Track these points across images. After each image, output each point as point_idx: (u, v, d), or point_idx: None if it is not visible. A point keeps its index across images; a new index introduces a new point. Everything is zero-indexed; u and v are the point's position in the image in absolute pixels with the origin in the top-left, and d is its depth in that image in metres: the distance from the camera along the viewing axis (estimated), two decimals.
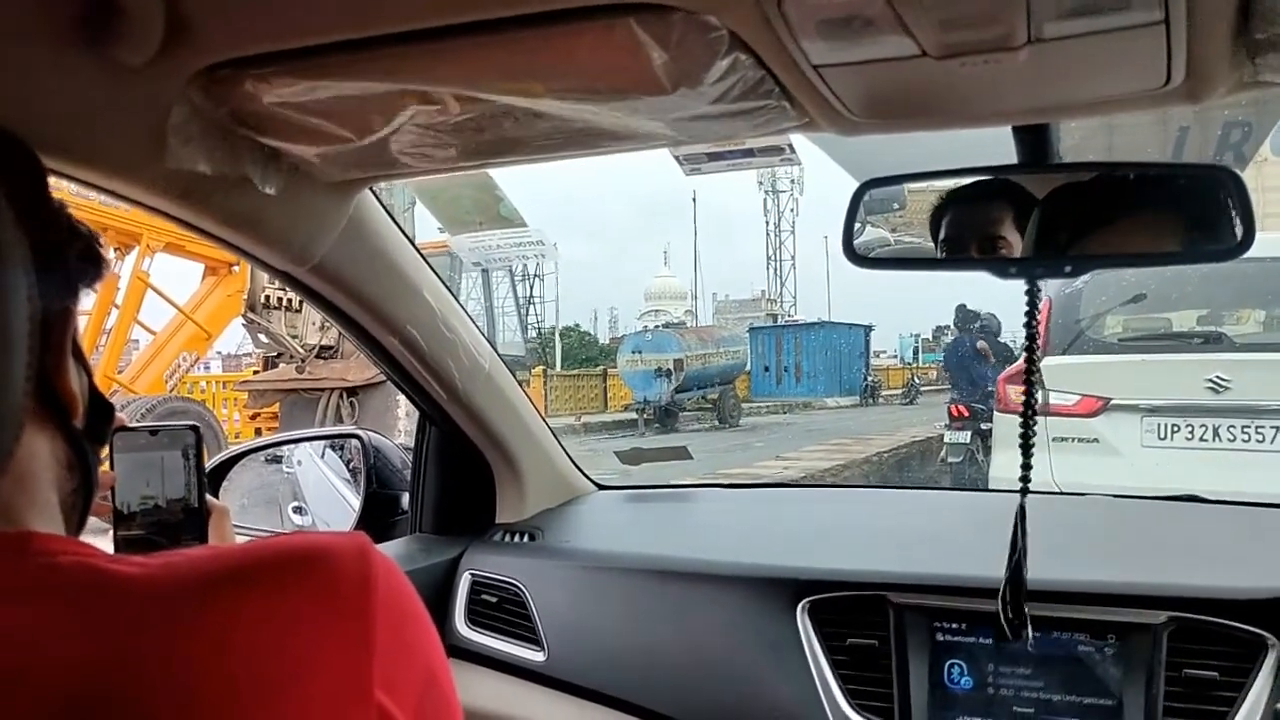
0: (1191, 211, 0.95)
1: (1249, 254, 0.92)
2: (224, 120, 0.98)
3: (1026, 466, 1.09)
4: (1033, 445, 1.08)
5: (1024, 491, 1.10)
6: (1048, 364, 4.78)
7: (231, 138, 1.01)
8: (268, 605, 0.57)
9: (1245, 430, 4.59)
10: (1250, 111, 7.92)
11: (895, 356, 38.98)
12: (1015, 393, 5.12)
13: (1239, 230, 0.91)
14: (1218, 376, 4.61)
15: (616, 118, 0.93)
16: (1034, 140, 0.97)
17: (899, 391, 27.82)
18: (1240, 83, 0.79)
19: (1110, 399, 4.83)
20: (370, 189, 1.32)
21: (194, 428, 0.93)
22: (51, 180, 0.66)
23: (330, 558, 0.61)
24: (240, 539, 1.06)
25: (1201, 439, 4.69)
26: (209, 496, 0.95)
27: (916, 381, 27.56)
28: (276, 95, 0.92)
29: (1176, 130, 7.67)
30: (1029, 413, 1.08)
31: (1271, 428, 4.53)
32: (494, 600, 1.62)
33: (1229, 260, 0.92)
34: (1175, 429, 4.75)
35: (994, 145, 1.01)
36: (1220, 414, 4.62)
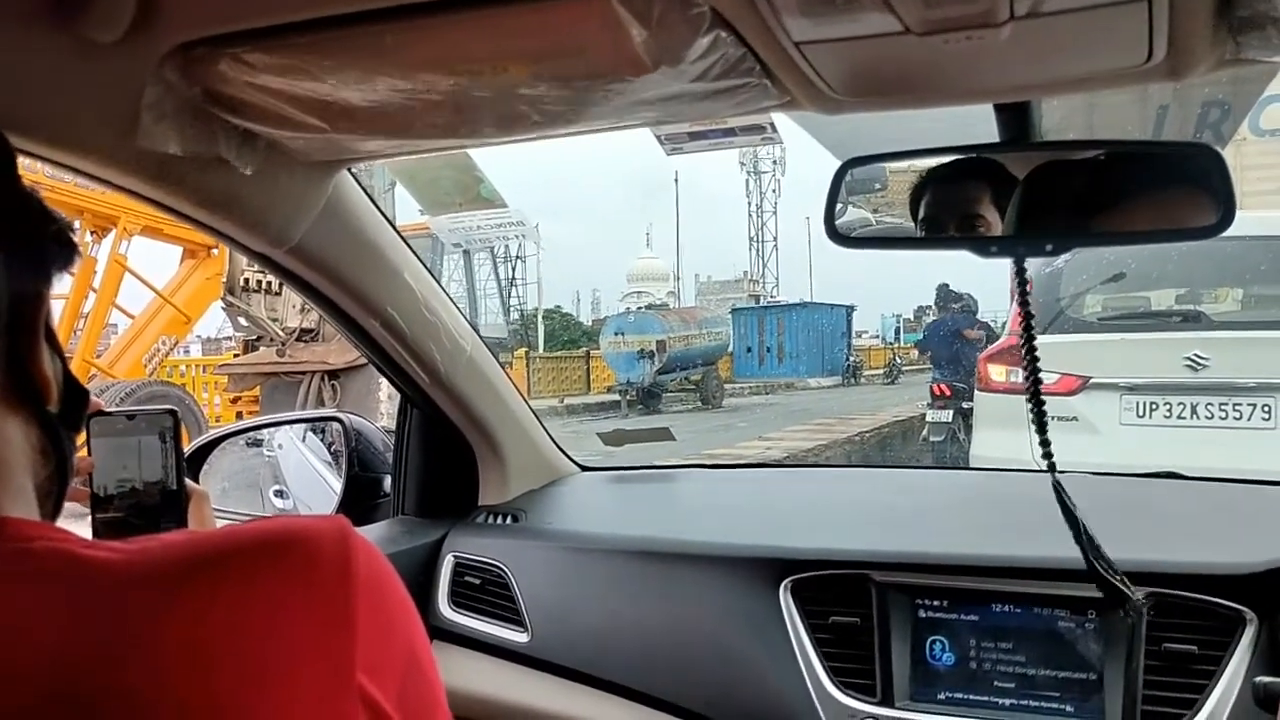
0: (1172, 190, 0.95)
1: (1228, 232, 0.92)
2: (197, 99, 0.96)
3: (1046, 443, 1.09)
4: (1046, 421, 1.08)
5: (1052, 469, 1.11)
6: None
7: (205, 117, 1.00)
8: (247, 590, 0.57)
9: (1223, 408, 4.63)
10: (1229, 91, 7.96)
11: (877, 337, 39.15)
12: (996, 372, 5.16)
13: (1219, 208, 0.91)
14: (1196, 354, 4.65)
15: (597, 97, 0.92)
16: (1015, 119, 0.96)
17: (881, 371, 27.93)
18: (1221, 60, 0.79)
19: (1090, 377, 4.86)
20: (349, 170, 1.30)
21: (172, 412, 0.92)
22: (26, 163, 0.65)
23: (310, 541, 0.61)
24: (221, 523, 1.05)
25: (1179, 417, 4.73)
26: (188, 480, 0.95)
27: (898, 361, 27.67)
28: (251, 74, 0.91)
29: (1156, 109, 7.69)
30: (1037, 389, 1.08)
31: (1248, 405, 4.58)
32: (477, 582, 1.62)
33: (1209, 238, 0.93)
34: (1154, 407, 4.79)
35: (976, 124, 1.01)
36: (1198, 392, 4.66)
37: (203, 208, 1.12)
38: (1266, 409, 4.54)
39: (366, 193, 1.39)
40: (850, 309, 29.17)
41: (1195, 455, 4.27)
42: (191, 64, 0.90)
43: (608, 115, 0.98)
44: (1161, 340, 4.87)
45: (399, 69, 0.88)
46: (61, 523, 0.64)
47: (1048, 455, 1.10)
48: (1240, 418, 4.59)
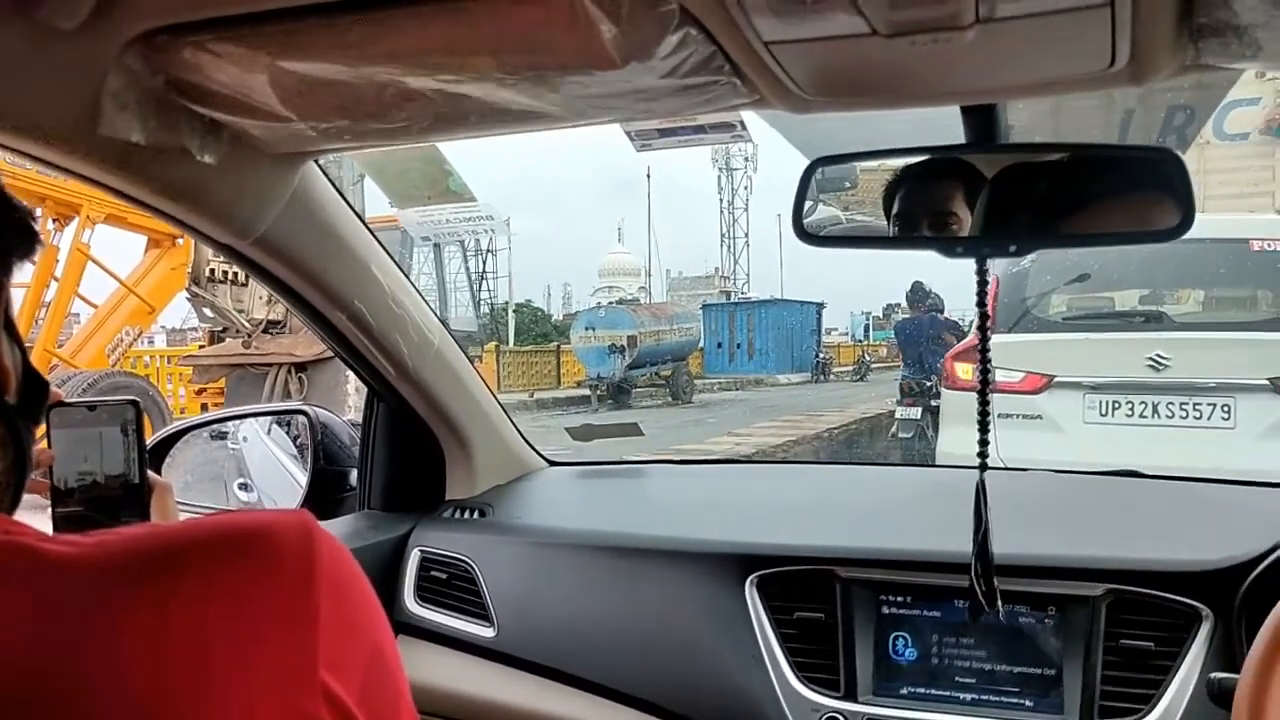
0: (1135, 193, 0.96)
1: (1191, 235, 0.94)
2: (161, 88, 0.95)
3: (984, 442, 1.10)
4: (989, 421, 1.09)
5: (983, 467, 1.12)
6: (994, 341, 4.84)
7: (169, 106, 0.98)
8: (208, 585, 0.56)
9: (1184, 407, 4.70)
10: (1193, 96, 8.08)
11: (846, 334, 39.37)
12: (962, 370, 5.21)
13: (1180, 212, 0.93)
14: (1158, 355, 4.72)
15: (566, 92, 0.92)
16: (982, 120, 0.97)
17: (850, 368, 28.07)
18: (1183, 66, 0.80)
19: (1054, 376, 4.92)
20: (316, 161, 1.29)
21: (134, 402, 0.91)
22: None
23: (272, 535, 0.60)
24: (184, 516, 1.04)
25: (1141, 416, 4.80)
26: (150, 472, 0.93)
27: (867, 359, 27.83)
28: (215, 64, 0.90)
29: (1121, 114, 7.79)
30: (985, 390, 1.09)
31: (1208, 405, 4.65)
32: (443, 577, 1.61)
33: (1170, 241, 0.94)
34: (1116, 406, 4.85)
35: (944, 126, 1.02)
36: (1160, 391, 4.73)
37: (166, 198, 1.11)
38: (1226, 409, 4.61)
39: (334, 185, 1.38)
40: (820, 306, 29.30)
41: (1156, 454, 4.33)
42: (154, 52, 0.89)
43: (577, 111, 0.98)
44: (1124, 340, 4.94)
45: (365, 60, 0.88)
46: (20, 515, 0.63)
47: (983, 454, 1.12)
48: (1200, 417, 4.67)
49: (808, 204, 1.06)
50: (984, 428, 1.11)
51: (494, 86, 0.91)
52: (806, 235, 1.06)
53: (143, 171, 1.05)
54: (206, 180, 1.11)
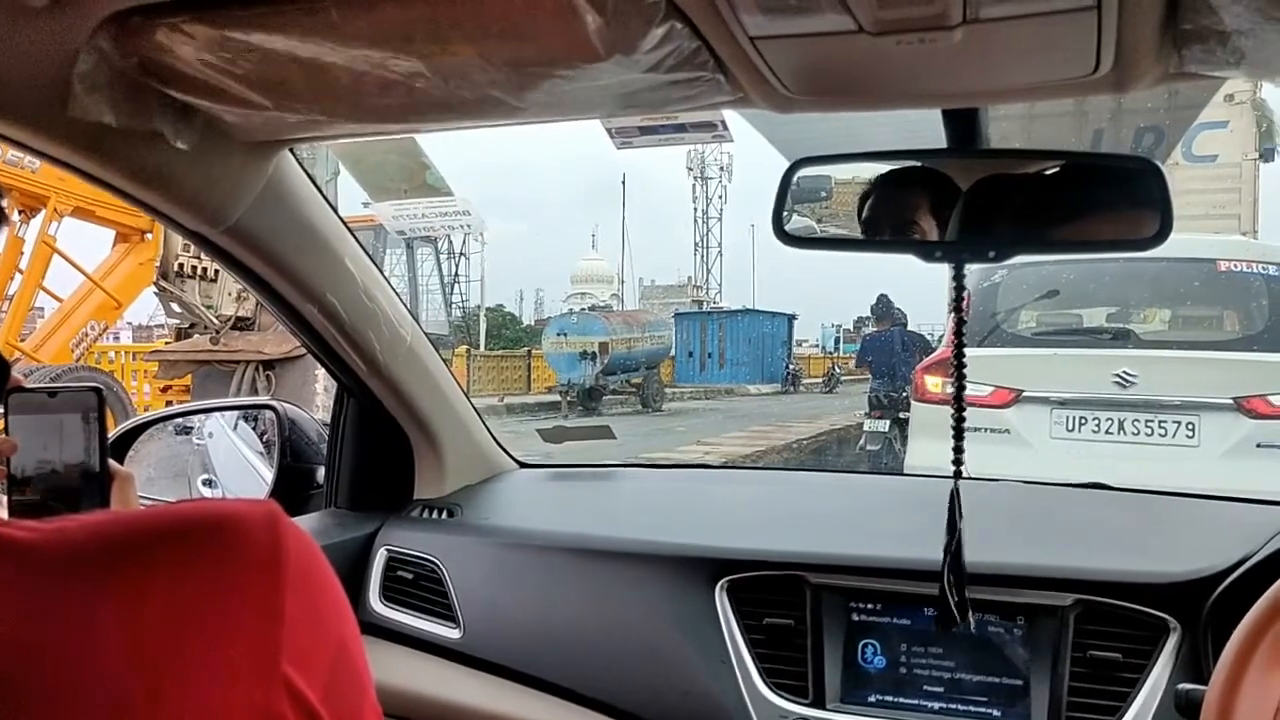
0: (1114, 202, 0.96)
1: (1159, 254, 0.94)
2: (133, 71, 0.93)
3: (959, 450, 1.10)
4: (964, 429, 1.09)
5: (957, 475, 1.12)
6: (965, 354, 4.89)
7: (140, 89, 0.96)
8: (171, 573, 0.55)
9: (1149, 424, 4.76)
10: (1163, 117, 8.21)
11: (817, 345, 39.51)
12: (932, 383, 5.24)
13: (1158, 221, 0.93)
14: (1125, 372, 4.77)
15: (548, 84, 0.91)
16: (964, 125, 0.98)
17: (820, 380, 28.21)
18: (1166, 73, 0.80)
19: (1022, 391, 4.96)
20: (291, 152, 1.27)
21: (96, 389, 0.89)
22: None
23: (239, 525, 0.59)
24: None
25: (1107, 432, 4.85)
26: (111, 462, 0.91)
27: (837, 371, 27.95)
28: (190, 47, 0.88)
29: (1093, 131, 7.90)
30: (960, 398, 1.09)
31: (1173, 422, 4.71)
32: (410, 577, 1.59)
33: (1148, 250, 0.94)
34: (1083, 421, 4.90)
35: (926, 134, 1.02)
36: (1126, 408, 4.78)
37: (137, 183, 1.09)
38: (1190, 427, 4.67)
39: (310, 177, 1.36)
40: (792, 318, 29.43)
41: (1121, 470, 4.38)
42: (127, 33, 0.87)
43: (559, 104, 0.97)
44: (1092, 357, 4.99)
45: (343, 46, 0.86)
46: None
47: (958, 462, 1.12)
48: (1165, 435, 4.72)
49: (787, 207, 1.06)
50: (959, 435, 1.11)
51: (475, 76, 0.90)
52: (786, 237, 1.06)
53: (113, 155, 1.03)
54: (178, 166, 1.09)
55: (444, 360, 1.77)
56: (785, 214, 1.07)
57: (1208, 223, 9.89)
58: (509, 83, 0.91)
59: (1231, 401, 4.57)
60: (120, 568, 0.54)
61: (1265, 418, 4.52)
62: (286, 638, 0.57)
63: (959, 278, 1.05)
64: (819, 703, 1.29)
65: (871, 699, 1.30)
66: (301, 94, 0.97)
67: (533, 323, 38.90)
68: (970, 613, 1.14)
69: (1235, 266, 4.90)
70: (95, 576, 0.53)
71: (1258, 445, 4.52)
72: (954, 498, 1.12)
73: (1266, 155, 11.14)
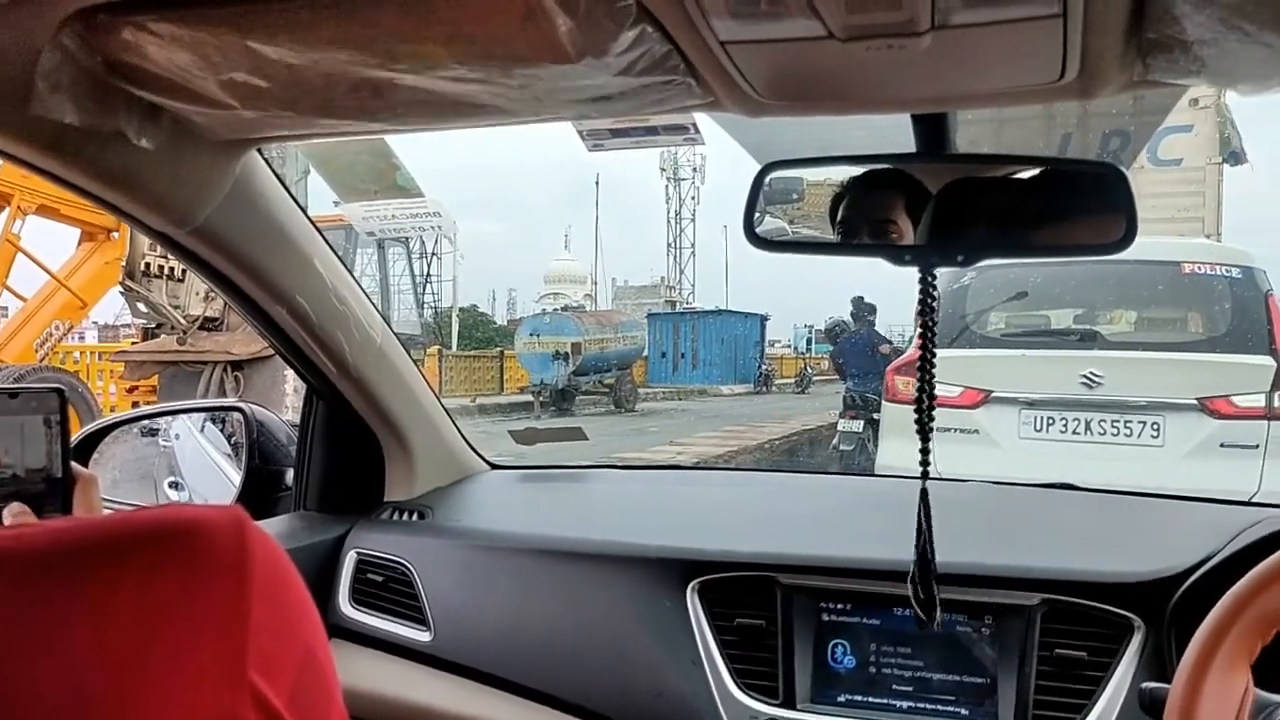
0: (1080, 207, 0.98)
1: (1125, 256, 0.95)
2: (98, 69, 0.92)
3: (926, 451, 1.11)
4: (931, 430, 1.10)
5: (924, 476, 1.12)
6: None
7: (106, 88, 0.95)
8: (138, 579, 0.55)
9: (1115, 425, 4.82)
10: (1130, 121, 8.31)
11: (790, 346, 39.65)
12: (903, 383, 5.28)
13: (1123, 226, 0.94)
14: (1091, 373, 4.83)
15: (520, 86, 0.90)
16: (933, 130, 0.98)
17: (792, 380, 28.30)
18: (1130, 81, 0.81)
19: (991, 391, 5.01)
20: (259, 151, 1.26)
21: (58, 390, 0.87)
22: None
23: (204, 531, 0.58)
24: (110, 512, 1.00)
25: (1074, 432, 4.91)
26: (74, 464, 0.90)
27: (809, 371, 28.06)
28: (156, 46, 0.87)
29: (1060, 135, 7.98)
30: (927, 399, 1.10)
31: (1139, 423, 4.77)
32: (380, 579, 1.58)
33: (1113, 254, 0.96)
34: (1051, 422, 4.96)
35: (895, 137, 1.03)
36: (1093, 408, 4.84)
37: (101, 183, 1.07)
38: (1155, 427, 4.73)
39: (278, 177, 1.34)
40: (764, 318, 29.50)
41: (1088, 470, 4.43)
42: (92, 31, 0.86)
43: (530, 107, 0.97)
44: (1060, 358, 5.05)
45: (313, 46, 0.85)
46: None
47: (925, 463, 1.13)
48: (1131, 435, 4.78)
49: (758, 210, 1.06)
50: (924, 436, 1.12)
51: (446, 78, 0.90)
52: (757, 240, 1.06)
53: (77, 155, 1.01)
54: (144, 166, 1.08)
55: (416, 360, 1.76)
56: (756, 217, 1.08)
57: (1173, 225, 10.02)
58: (480, 84, 0.91)
59: (1196, 402, 4.63)
60: (87, 573, 0.53)
61: (1229, 418, 4.59)
62: (253, 644, 0.56)
63: (927, 281, 1.06)
64: (789, 703, 1.30)
65: (841, 699, 1.31)
66: (270, 94, 0.96)
67: (506, 323, 38.76)
68: (938, 612, 1.15)
69: (1199, 269, 4.97)
70: (60, 582, 0.53)
71: (1221, 445, 4.58)
72: (923, 498, 1.13)
73: (1229, 159, 11.30)
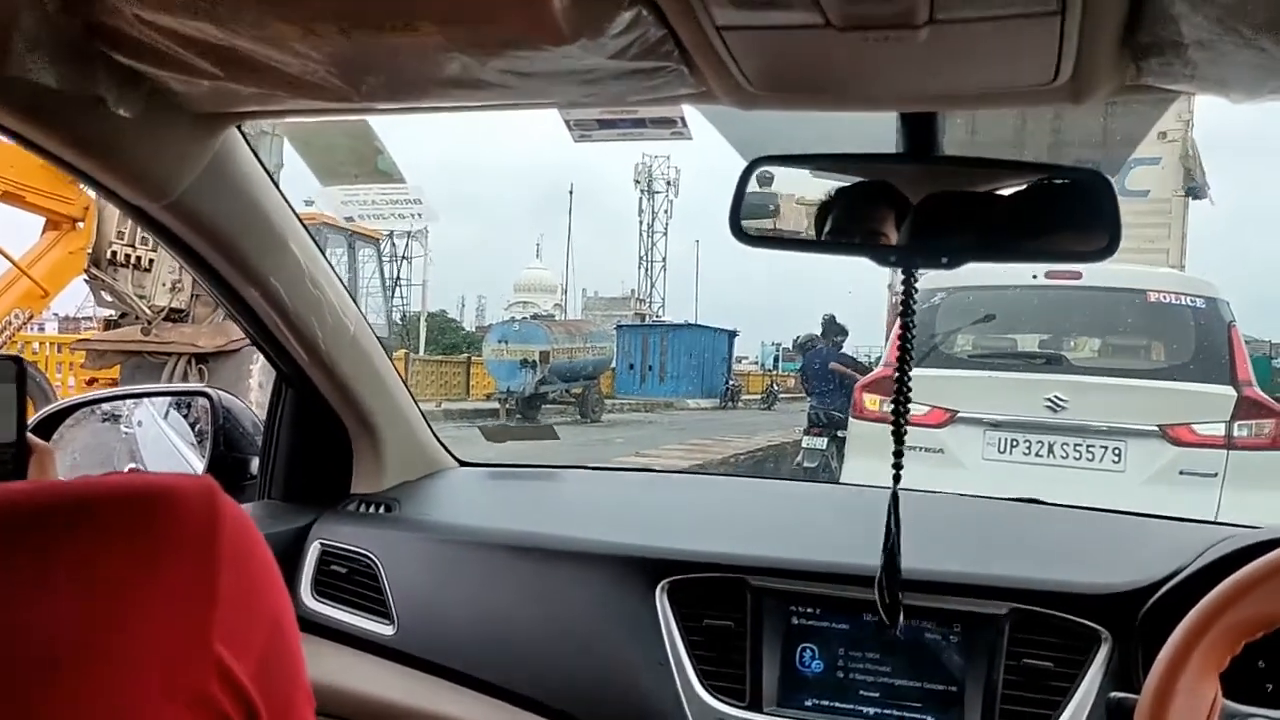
0: (1064, 212, 0.98)
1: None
2: (78, 32, 0.90)
3: (899, 454, 1.11)
4: (905, 433, 1.10)
5: (896, 480, 1.13)
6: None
7: (86, 52, 0.93)
8: (102, 546, 0.53)
9: (1078, 448, 4.87)
10: (1100, 153, 8.44)
11: (757, 363, 39.82)
12: (870, 400, 5.31)
13: (1108, 233, 0.95)
14: (1056, 396, 4.89)
15: (509, 66, 0.89)
16: (920, 131, 0.98)
17: (758, 397, 28.41)
18: (1123, 84, 0.82)
19: (957, 411, 5.05)
20: (239, 129, 1.24)
21: (15, 359, 0.85)
22: None
23: (175, 499, 0.57)
24: None
25: (1038, 454, 4.96)
26: (31, 437, 0.87)
27: (776, 388, 28.19)
28: (139, 10, 0.85)
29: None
30: (904, 402, 1.10)
31: (1100, 447, 4.83)
32: (344, 571, 1.56)
33: (1096, 261, 0.96)
34: (1014, 443, 5.00)
35: (882, 140, 1.03)
36: (1056, 432, 4.90)
37: (77, 150, 1.05)
38: (1117, 452, 4.79)
39: (257, 157, 1.32)
40: (733, 334, 29.63)
41: (1049, 493, 4.46)
42: None
43: (519, 89, 0.96)
44: (1025, 381, 5.10)
45: (298, 17, 0.84)
46: None
47: (897, 467, 1.13)
48: (1093, 459, 4.84)
49: (745, 203, 1.06)
50: (899, 439, 1.12)
51: (437, 55, 0.88)
52: (742, 234, 1.05)
53: (53, 120, 0.99)
54: (121, 135, 1.06)
55: None
56: (743, 211, 1.07)
57: (1140, 255, 10.18)
58: (471, 64, 0.89)
59: (1157, 429, 4.70)
60: (52, 536, 0.52)
61: (1189, 445, 4.65)
62: (220, 615, 0.55)
63: (908, 284, 1.06)
64: (755, 706, 1.29)
65: (808, 703, 1.30)
66: (254, 66, 0.94)
67: (474, 329, 38.63)
68: (902, 616, 1.15)
69: (1164, 297, 5.05)
70: (25, 544, 0.52)
71: (1180, 472, 4.65)
72: (893, 501, 1.13)
73: (1192, 192, 11.52)
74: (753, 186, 1.04)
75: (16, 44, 0.87)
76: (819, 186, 1.09)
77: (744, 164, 1.08)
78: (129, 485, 0.58)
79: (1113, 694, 1.11)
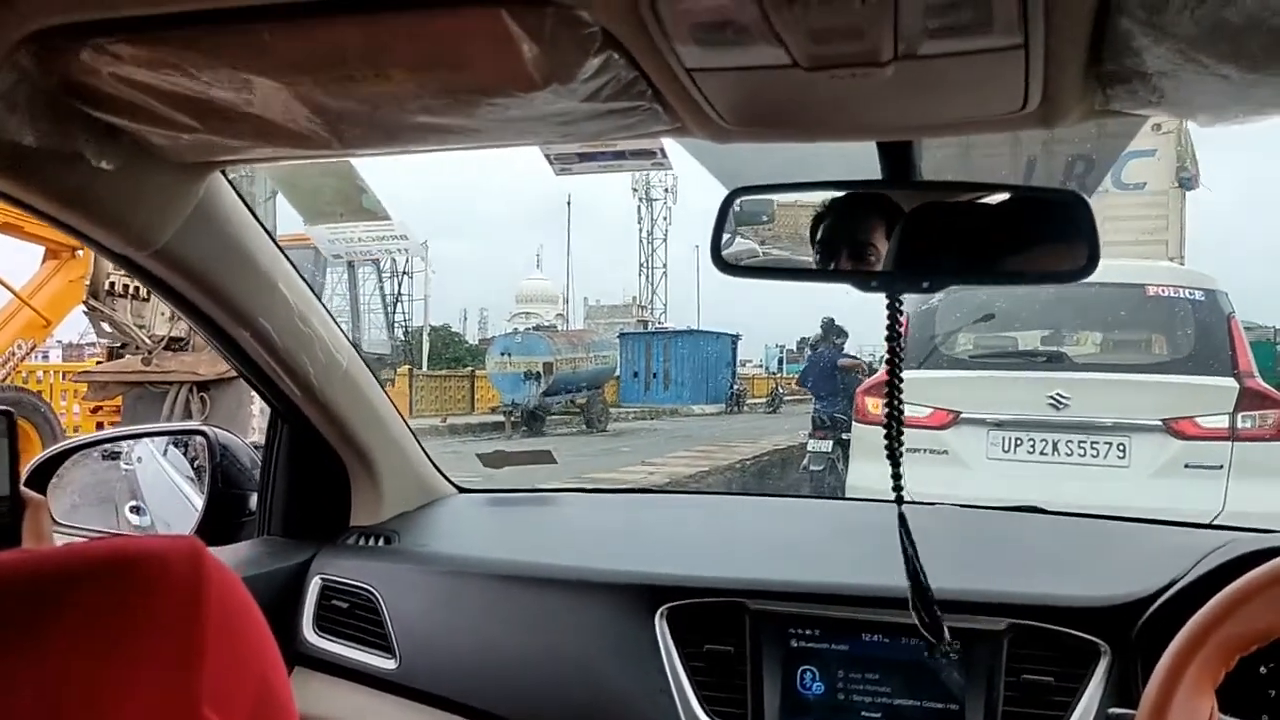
0: (1043, 233, 0.98)
1: (1090, 279, 0.96)
2: (55, 90, 0.91)
3: (898, 476, 1.11)
4: (901, 454, 1.10)
5: (899, 500, 1.13)
6: (903, 377, 4.98)
7: (64, 109, 0.94)
8: (86, 616, 0.53)
9: (1082, 445, 4.87)
10: (1094, 145, 8.43)
11: (761, 366, 39.83)
12: (872, 404, 5.31)
13: (1086, 254, 0.95)
14: (1058, 394, 4.88)
15: (484, 112, 0.90)
16: (898, 157, 0.99)
17: (763, 400, 28.40)
18: (1091, 110, 0.82)
19: (960, 412, 5.05)
20: (224, 173, 1.25)
21: (5, 413, 0.85)
22: None
23: (159, 564, 0.57)
24: (70, 539, 0.98)
25: (1042, 453, 4.95)
26: (25, 489, 0.88)
27: (780, 391, 28.16)
28: (115, 66, 0.86)
29: (1025, 161, 8.08)
30: (896, 425, 1.10)
31: (1105, 443, 4.83)
32: (345, 606, 1.56)
33: (1075, 281, 0.96)
34: (1018, 442, 5.00)
35: (863, 164, 1.04)
36: (1060, 429, 4.89)
37: (60, 204, 1.06)
38: (1121, 448, 4.79)
39: (243, 199, 1.33)
40: (735, 338, 29.62)
41: (1055, 491, 4.46)
42: (50, 52, 0.84)
43: (495, 132, 0.96)
44: (1027, 379, 5.10)
45: (275, 70, 0.84)
46: None
47: (898, 488, 1.13)
48: (1098, 455, 4.83)
49: (726, 234, 1.06)
50: (895, 461, 1.12)
51: (411, 103, 0.89)
52: (725, 265, 1.06)
53: (34, 175, 1.00)
54: (103, 188, 1.06)
55: (386, 380, 1.75)
56: (725, 240, 1.08)
57: (1138, 249, 10.17)
58: (445, 109, 0.90)
59: (1160, 423, 4.69)
60: (37, 607, 0.52)
61: (1193, 439, 4.65)
62: (207, 679, 0.55)
63: (893, 307, 1.06)
64: None
65: None
66: (232, 116, 0.95)
67: (477, 342, 38.67)
68: (946, 633, 1.14)
69: (1163, 291, 5.05)
70: (10, 616, 0.52)
71: (1186, 466, 4.64)
72: (902, 522, 1.13)
73: (1184, 184, 11.50)
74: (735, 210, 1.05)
75: None
76: (817, 196, 1.10)
77: (725, 192, 1.08)
78: (112, 552, 0.58)
79: (1111, 709, 1.11)
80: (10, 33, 0.80)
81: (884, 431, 1.11)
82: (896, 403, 1.11)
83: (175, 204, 1.16)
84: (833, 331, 9.67)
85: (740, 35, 0.72)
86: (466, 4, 0.74)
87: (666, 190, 42.53)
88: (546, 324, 28.94)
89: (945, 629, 1.14)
